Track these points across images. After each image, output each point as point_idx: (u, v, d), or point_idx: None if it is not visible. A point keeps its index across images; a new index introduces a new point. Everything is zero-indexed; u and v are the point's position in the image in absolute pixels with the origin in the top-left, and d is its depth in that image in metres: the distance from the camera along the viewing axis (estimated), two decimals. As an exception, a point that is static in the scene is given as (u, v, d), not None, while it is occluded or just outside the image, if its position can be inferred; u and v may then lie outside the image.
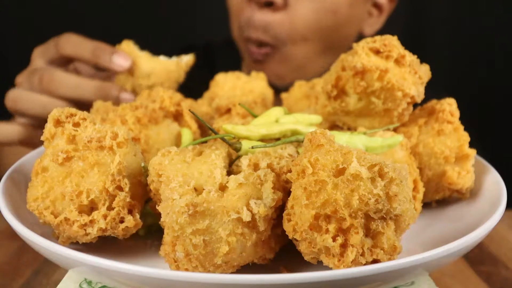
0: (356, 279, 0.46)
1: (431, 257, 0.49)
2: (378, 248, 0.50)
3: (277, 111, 0.72)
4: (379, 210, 0.49)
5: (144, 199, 0.62)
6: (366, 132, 0.67)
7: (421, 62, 0.71)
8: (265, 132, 0.66)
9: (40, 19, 1.84)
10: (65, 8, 1.89)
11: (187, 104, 0.79)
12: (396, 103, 0.68)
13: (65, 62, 0.97)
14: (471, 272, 0.77)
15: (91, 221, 0.55)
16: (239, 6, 1.25)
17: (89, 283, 0.61)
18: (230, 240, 0.51)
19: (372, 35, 1.18)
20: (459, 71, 2.03)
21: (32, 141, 0.97)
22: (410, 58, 0.69)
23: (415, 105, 0.72)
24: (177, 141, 0.73)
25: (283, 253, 0.59)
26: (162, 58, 0.95)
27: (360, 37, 1.34)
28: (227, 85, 0.96)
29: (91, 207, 0.56)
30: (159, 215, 0.54)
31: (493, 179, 0.71)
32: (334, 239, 0.49)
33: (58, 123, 0.59)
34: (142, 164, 0.61)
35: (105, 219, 0.55)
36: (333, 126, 0.76)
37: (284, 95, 0.96)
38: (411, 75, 0.68)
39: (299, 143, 0.65)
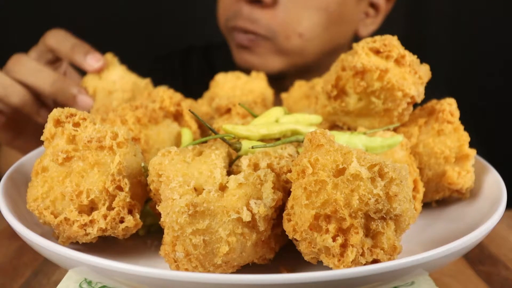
0: (356, 279, 0.46)
1: (431, 257, 0.49)
2: (378, 248, 0.50)
3: (277, 111, 0.72)
4: (379, 210, 0.49)
5: (144, 199, 0.62)
6: (366, 132, 0.67)
7: (421, 62, 0.71)
8: (265, 132, 0.66)
9: (35, 20, 1.84)
10: (66, 7, 1.89)
11: (187, 104, 0.79)
12: (396, 103, 0.69)
13: (54, 60, 0.97)
14: (471, 272, 0.77)
15: (91, 221, 0.55)
16: (226, 3, 1.25)
17: (89, 283, 0.61)
18: (230, 240, 0.51)
19: (368, 36, 1.18)
20: (459, 71, 2.03)
21: None
22: (410, 58, 0.69)
23: (415, 105, 0.72)
24: (177, 141, 0.73)
25: (283, 253, 0.59)
26: (134, 76, 0.96)
27: (356, 37, 1.33)
28: (227, 85, 0.96)
29: (91, 207, 0.56)
30: (159, 215, 0.54)
31: (493, 179, 0.71)
32: (334, 239, 0.49)
33: (58, 123, 0.59)
34: (142, 164, 0.61)
35: (105, 219, 0.55)
36: (333, 126, 0.76)
37: (284, 95, 0.96)
38: (411, 75, 0.68)
39: (299, 143, 0.65)
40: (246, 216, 0.51)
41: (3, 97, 0.90)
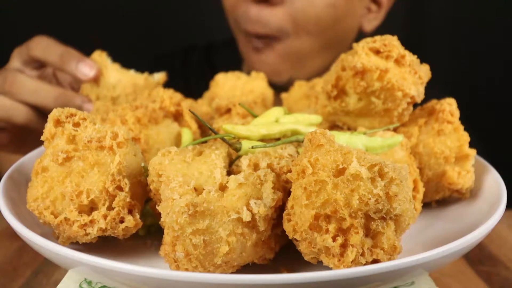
0: (356, 279, 0.46)
1: (431, 257, 0.49)
2: (378, 248, 0.50)
3: (277, 111, 0.72)
4: (379, 210, 0.49)
5: (144, 199, 0.62)
6: (366, 132, 0.67)
7: (421, 62, 0.71)
8: (265, 132, 0.66)
9: (35, 17, 1.83)
10: (66, 4, 1.89)
11: (187, 104, 0.79)
12: (396, 103, 0.69)
13: (39, 66, 0.95)
14: (471, 272, 0.77)
15: (91, 221, 0.55)
16: (233, 2, 1.25)
17: (89, 283, 0.61)
18: (230, 240, 0.51)
19: (372, 31, 1.18)
20: (459, 71, 2.03)
21: None
22: (410, 58, 0.69)
23: (415, 105, 0.72)
24: (177, 141, 0.73)
25: (283, 253, 0.59)
26: (132, 72, 0.94)
27: (359, 33, 1.34)
28: (227, 85, 0.96)
29: (91, 207, 0.56)
30: (159, 215, 0.54)
31: (493, 179, 0.71)
32: (334, 239, 0.49)
33: (58, 123, 0.59)
34: (142, 164, 0.61)
35: (105, 219, 0.55)
36: (333, 126, 0.76)
37: (284, 95, 0.96)
38: (411, 75, 0.68)
39: (299, 143, 0.65)
40: (246, 216, 0.51)
41: (7, 119, 0.89)
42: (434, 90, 0.82)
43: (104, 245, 0.62)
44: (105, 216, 0.55)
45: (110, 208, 0.56)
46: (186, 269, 0.51)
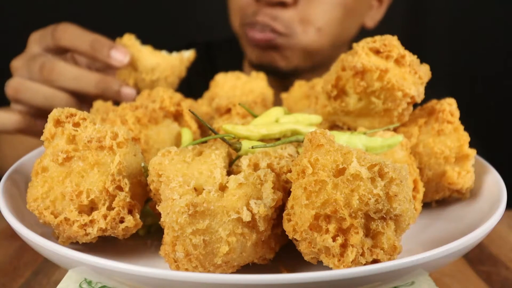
0: (356, 279, 0.46)
1: (431, 257, 0.49)
2: (378, 248, 0.50)
3: (277, 111, 0.72)
4: (379, 210, 0.49)
5: (144, 199, 0.62)
6: (366, 132, 0.67)
7: (421, 62, 0.71)
8: (265, 132, 0.66)
9: (42, 6, 1.83)
10: (66, 4, 1.89)
11: (187, 104, 0.79)
12: (396, 103, 0.69)
13: (62, 51, 0.95)
14: (471, 272, 0.77)
15: (91, 221, 0.55)
16: (243, 4, 1.25)
17: (89, 283, 0.61)
18: (230, 240, 0.51)
19: (374, 27, 1.18)
20: (459, 71, 2.03)
21: (30, 130, 0.96)
22: (410, 58, 0.69)
23: (415, 105, 0.72)
24: (177, 141, 0.73)
25: (283, 253, 0.59)
26: (164, 53, 0.94)
27: (362, 29, 1.36)
28: (227, 85, 0.96)
29: (91, 207, 0.56)
30: (159, 215, 0.54)
31: (493, 179, 0.71)
32: (334, 239, 0.49)
33: (58, 123, 0.59)
34: (142, 164, 0.61)
35: (105, 219, 0.55)
36: (333, 126, 0.76)
37: (284, 95, 0.96)
38: (411, 75, 0.68)
39: (299, 143, 0.65)
40: (246, 216, 0.51)
41: (49, 106, 0.89)
42: (434, 90, 0.82)
43: (104, 245, 0.62)
44: (105, 216, 0.55)
45: (110, 208, 0.56)
46: (186, 269, 0.51)
